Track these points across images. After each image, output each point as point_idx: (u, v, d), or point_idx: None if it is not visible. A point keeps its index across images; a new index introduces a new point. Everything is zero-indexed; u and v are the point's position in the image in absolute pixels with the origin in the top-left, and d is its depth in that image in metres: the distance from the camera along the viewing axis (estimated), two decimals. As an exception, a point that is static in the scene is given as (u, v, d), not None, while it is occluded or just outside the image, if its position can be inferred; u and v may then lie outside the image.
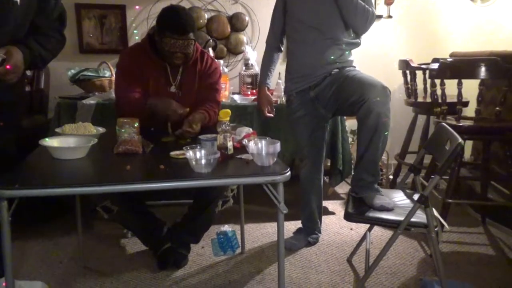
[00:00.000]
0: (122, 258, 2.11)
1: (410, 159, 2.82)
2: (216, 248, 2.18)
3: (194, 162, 1.28)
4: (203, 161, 1.27)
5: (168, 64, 1.95)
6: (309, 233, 2.24)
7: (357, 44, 2.01)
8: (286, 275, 1.89)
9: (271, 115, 2.16)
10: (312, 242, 2.24)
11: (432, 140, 1.86)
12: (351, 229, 2.43)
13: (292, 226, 2.36)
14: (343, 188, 3.07)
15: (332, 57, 1.94)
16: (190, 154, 1.29)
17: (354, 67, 2.00)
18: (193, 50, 1.95)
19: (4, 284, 1.21)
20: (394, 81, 3.17)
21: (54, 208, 2.49)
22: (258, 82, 2.18)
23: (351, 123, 2.82)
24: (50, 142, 1.47)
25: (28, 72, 2.87)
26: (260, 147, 1.36)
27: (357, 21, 1.89)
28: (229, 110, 1.49)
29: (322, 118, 2.06)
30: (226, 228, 2.24)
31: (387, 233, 2.33)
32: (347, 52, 1.98)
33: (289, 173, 1.29)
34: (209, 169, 1.28)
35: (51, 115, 2.87)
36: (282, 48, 2.16)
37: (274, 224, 2.46)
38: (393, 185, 3.02)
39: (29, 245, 2.20)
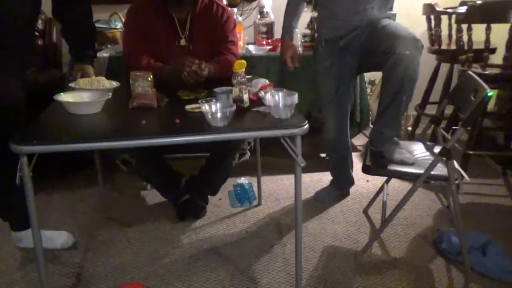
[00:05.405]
0: (142, 209, 2.17)
1: (430, 109, 2.74)
2: (233, 199, 2.22)
3: (210, 116, 1.26)
4: (219, 115, 1.25)
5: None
6: (341, 187, 2.24)
7: None
8: (302, 225, 1.92)
9: (296, 65, 1.99)
10: (344, 195, 2.24)
11: (456, 90, 1.78)
12: (368, 180, 2.42)
13: (308, 178, 2.36)
14: (360, 140, 3.03)
15: (371, 6, 1.80)
16: (205, 107, 1.27)
17: (389, 17, 1.84)
18: None
19: None
20: (417, 27, 2.98)
21: (75, 162, 2.54)
22: (282, 33, 2.05)
23: (369, 73, 2.72)
24: (65, 97, 1.46)
25: (40, 25, 2.83)
26: (277, 99, 1.33)
27: None
28: (244, 61, 1.44)
29: (348, 70, 1.96)
30: (243, 180, 2.27)
31: (404, 185, 2.32)
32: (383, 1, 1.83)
33: (307, 125, 1.27)
34: (225, 122, 1.26)
35: (65, 70, 2.86)
36: None
37: (291, 177, 2.46)
38: (411, 136, 2.97)
39: (54, 197, 2.28)
